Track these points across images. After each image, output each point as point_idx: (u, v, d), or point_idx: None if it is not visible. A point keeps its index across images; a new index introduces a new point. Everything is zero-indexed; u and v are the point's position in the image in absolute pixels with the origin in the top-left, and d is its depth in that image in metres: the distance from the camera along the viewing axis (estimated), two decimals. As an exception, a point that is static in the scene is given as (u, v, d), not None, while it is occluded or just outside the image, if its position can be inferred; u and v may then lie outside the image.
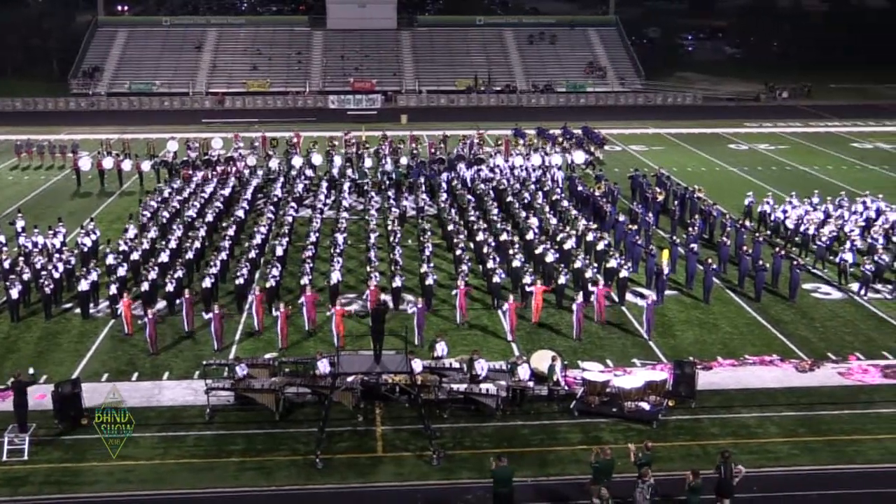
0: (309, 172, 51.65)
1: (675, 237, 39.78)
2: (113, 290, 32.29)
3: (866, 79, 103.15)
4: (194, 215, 42.09)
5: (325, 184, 48.04)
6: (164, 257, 35.54)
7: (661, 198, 45.77)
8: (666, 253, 37.23)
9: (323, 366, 25.77)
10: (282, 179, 49.72)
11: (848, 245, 37.17)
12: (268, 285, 32.63)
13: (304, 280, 32.50)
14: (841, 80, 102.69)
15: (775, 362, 28.84)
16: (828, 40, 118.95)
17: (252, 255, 35.77)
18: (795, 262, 35.23)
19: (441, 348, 27.30)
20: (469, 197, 45.02)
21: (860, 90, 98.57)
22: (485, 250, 35.85)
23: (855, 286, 35.27)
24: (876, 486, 21.91)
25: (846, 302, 34.43)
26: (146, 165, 53.18)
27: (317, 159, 53.64)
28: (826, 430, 24.62)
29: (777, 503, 21.26)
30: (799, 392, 26.84)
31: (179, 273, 33.28)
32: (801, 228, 39.90)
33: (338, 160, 53.00)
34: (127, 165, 53.13)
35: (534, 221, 39.77)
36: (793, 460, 23.07)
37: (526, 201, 44.01)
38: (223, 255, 35.81)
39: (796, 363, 28.70)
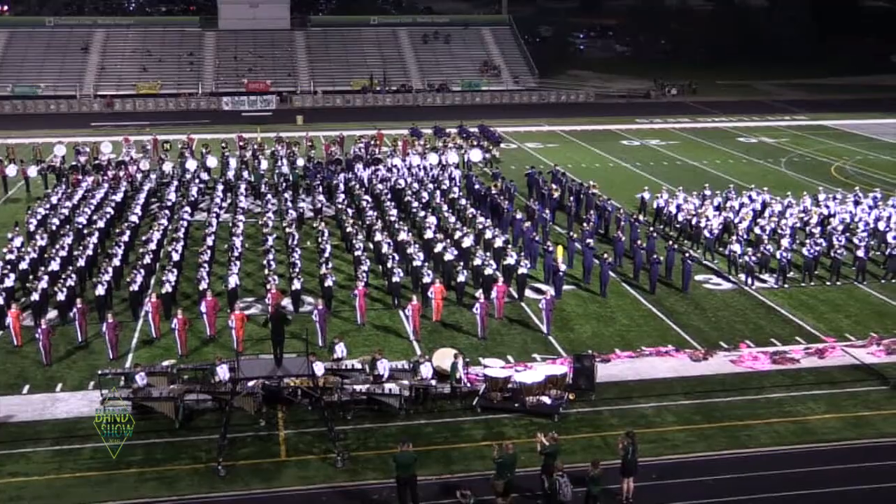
0: (204, 175, 50.81)
1: (571, 233, 40.50)
2: (-1, 301, 31.22)
3: (750, 76, 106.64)
4: (85, 222, 40.98)
5: (220, 187, 47.32)
6: (54, 266, 34.45)
7: (557, 194, 46.48)
8: (562, 248, 37.83)
9: (223, 371, 25.39)
10: (176, 183, 48.76)
11: (735, 237, 38.41)
12: (164, 291, 31.98)
13: (203, 285, 31.95)
14: (727, 77, 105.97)
15: (671, 352, 29.57)
16: (714, 39, 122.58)
17: (147, 260, 34.98)
18: (687, 255, 36.20)
19: (340, 350, 27.20)
20: (367, 197, 44.92)
21: (745, 87, 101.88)
22: (384, 250, 35.86)
23: (743, 276, 36.41)
24: (768, 468, 22.69)
25: (736, 292, 35.52)
26: (32, 171, 51.48)
27: (212, 162, 52.81)
28: (720, 416, 25.38)
29: (675, 489, 21.78)
30: (694, 381, 27.60)
31: (71, 281, 32.32)
32: (692, 221, 40.98)
33: (233, 162, 52.29)
34: (12, 171, 51.37)
35: (432, 220, 39.91)
36: (689, 447, 23.71)
37: (424, 200, 44.15)
38: (116, 262, 34.98)
39: (690, 353, 29.49)
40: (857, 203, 44.58)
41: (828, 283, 36.17)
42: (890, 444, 23.90)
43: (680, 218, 42.20)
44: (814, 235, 39.09)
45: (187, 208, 42.97)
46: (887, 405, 26.03)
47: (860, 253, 36.67)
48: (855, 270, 36.72)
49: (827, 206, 43.82)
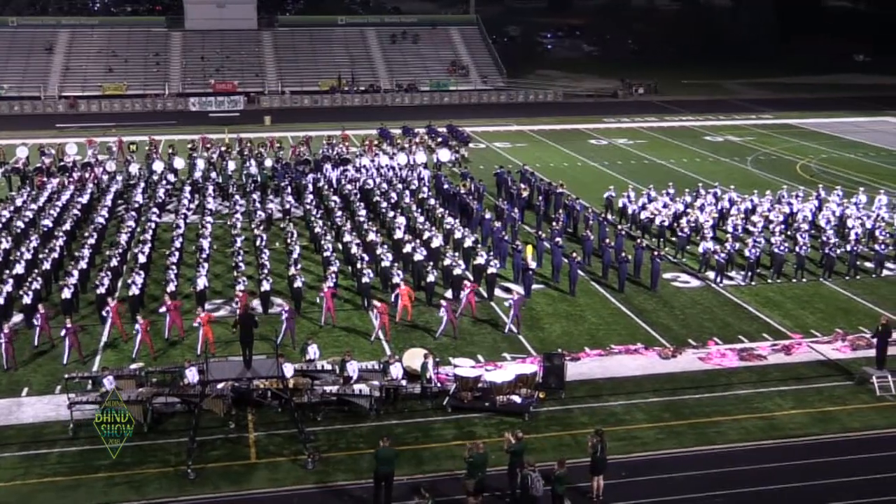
0: (171, 177, 50.46)
1: (540, 232, 40.61)
2: (-37, 304, 30.81)
3: (716, 75, 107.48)
4: (51, 224, 40.58)
5: (187, 188, 47.03)
6: (19, 269, 34.08)
7: (525, 194, 46.60)
8: (531, 248, 37.96)
9: (191, 374, 25.25)
10: (143, 185, 48.40)
11: (705, 234, 38.71)
12: (131, 293, 31.72)
13: (171, 287, 31.73)
14: (693, 77, 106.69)
15: (640, 350, 29.76)
16: (680, 38, 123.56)
17: (113, 263, 34.68)
18: (655, 253, 36.43)
19: (313, 351, 27.12)
20: (335, 198, 44.81)
21: (711, 86, 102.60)
22: (353, 251, 35.79)
23: (711, 274, 36.69)
24: (736, 464, 22.88)
25: (704, 289, 35.80)
26: (-4, 173, 50.96)
27: (179, 163, 52.45)
28: (689, 413, 25.58)
29: (645, 487, 21.93)
30: (663, 378, 27.79)
31: (36, 284, 31.96)
32: (659, 220, 41.25)
33: (200, 164, 51.95)
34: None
35: (401, 221, 39.89)
36: (659, 444, 23.88)
37: (393, 201, 44.11)
38: (83, 265, 34.65)
39: (659, 350, 29.69)
40: (820, 201, 45.06)
41: (794, 280, 36.54)
42: (854, 439, 24.22)
43: (644, 216, 42.42)
44: (779, 233, 39.45)
45: (154, 210, 42.66)
46: (852, 400, 26.38)
47: (826, 250, 37.08)
48: (822, 268, 37.13)
49: (790, 204, 44.24)
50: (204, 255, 35.31)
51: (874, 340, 28.21)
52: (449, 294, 32.01)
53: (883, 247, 37.75)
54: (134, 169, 51.47)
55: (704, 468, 22.72)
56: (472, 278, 34.02)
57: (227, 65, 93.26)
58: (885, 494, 21.59)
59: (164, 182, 48.77)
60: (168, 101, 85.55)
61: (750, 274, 36.36)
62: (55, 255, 35.83)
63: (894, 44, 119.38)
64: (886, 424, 25.00)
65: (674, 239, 40.28)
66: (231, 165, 51.65)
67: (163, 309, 30.26)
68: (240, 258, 35.16)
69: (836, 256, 37.24)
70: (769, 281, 36.44)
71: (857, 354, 29.39)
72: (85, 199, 45.32)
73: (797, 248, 37.23)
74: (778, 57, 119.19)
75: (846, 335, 30.85)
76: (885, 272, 37.49)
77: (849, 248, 37.69)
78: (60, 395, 25.56)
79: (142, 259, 35.17)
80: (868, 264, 37.89)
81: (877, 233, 39.53)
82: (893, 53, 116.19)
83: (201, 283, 32.39)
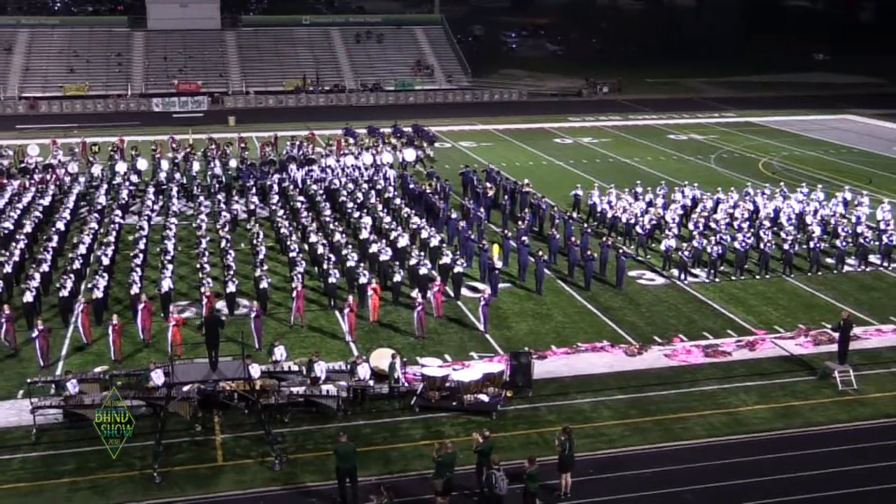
0: (134, 178, 50.00)
1: (506, 231, 40.74)
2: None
3: (679, 74, 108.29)
4: (12, 227, 40.08)
5: (151, 189, 46.64)
6: (-21, 272, 33.68)
7: (491, 193, 46.70)
8: (498, 247, 38.04)
9: (157, 376, 25.04)
10: (105, 186, 47.93)
11: (668, 232, 39.01)
12: (94, 296, 31.42)
13: (135, 289, 31.46)
14: (656, 76, 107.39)
15: (606, 348, 29.92)
16: (643, 37, 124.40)
17: (76, 265, 34.32)
18: (620, 251, 36.64)
19: (279, 352, 27.00)
20: (301, 198, 44.64)
21: (674, 84, 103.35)
22: (319, 251, 35.68)
23: (676, 271, 36.96)
24: (702, 460, 23.10)
25: (668, 287, 36.06)
26: (-44, 176, 50.23)
27: (142, 164, 52.01)
28: (655, 410, 25.77)
29: (612, 483, 22.07)
30: (629, 375, 27.97)
31: (-3, 288, 31.61)
32: (625, 218, 41.49)
33: (164, 164, 51.53)
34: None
35: (367, 220, 39.83)
36: (625, 441, 24.03)
37: (358, 201, 44.02)
38: (45, 267, 34.25)
39: (625, 348, 29.87)
40: (784, 198, 45.54)
41: (757, 277, 36.91)
42: (817, 433, 24.53)
43: (610, 215, 42.68)
44: (743, 230, 39.83)
45: (118, 211, 42.27)
46: (815, 395, 26.70)
47: (787, 247, 37.49)
48: (782, 264, 37.53)
49: (754, 202, 44.68)
50: (168, 257, 35.04)
51: (836, 335, 28.57)
52: (416, 294, 31.98)
53: (843, 243, 38.23)
54: (96, 170, 50.95)
55: (671, 464, 22.90)
56: (438, 278, 34.01)
57: (190, 65, 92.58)
58: (848, 487, 21.86)
59: (127, 183, 48.32)
60: (131, 102, 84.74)
61: (714, 271, 36.67)
62: (16, 258, 35.36)
63: (852, 43, 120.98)
64: (848, 418, 25.33)
65: (636, 236, 40.48)
66: (195, 166, 51.29)
67: (140, 306, 29.93)
68: (205, 259, 34.93)
69: (795, 253, 37.65)
70: (733, 278, 36.78)
71: (819, 349, 29.75)
72: (46, 201, 44.80)
73: (761, 245, 37.60)
74: (740, 56, 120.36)
75: (809, 331, 31.23)
76: (845, 268, 37.96)
77: (811, 244, 38.12)
78: (23, 399, 25.27)
79: (105, 261, 34.83)
80: (829, 260, 38.35)
81: (837, 229, 40.00)
82: (851, 53, 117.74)
83: (166, 284, 32.13)
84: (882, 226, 40.60)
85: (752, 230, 40.57)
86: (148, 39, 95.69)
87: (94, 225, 40.19)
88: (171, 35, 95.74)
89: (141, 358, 28.52)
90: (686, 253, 36.75)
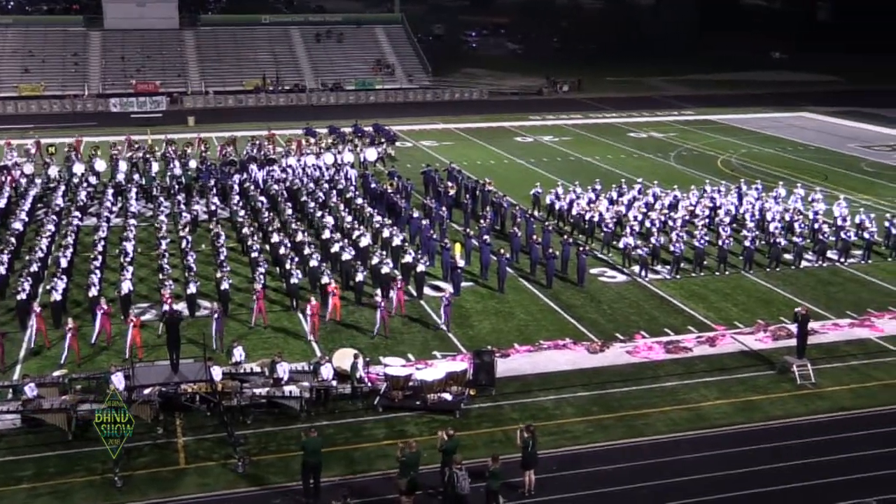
0: (92, 179, 49.44)
1: (468, 230, 40.82)
2: None
3: (638, 72, 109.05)
4: (-34, 229, 39.52)
5: (110, 190, 46.13)
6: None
7: (453, 192, 46.73)
8: (460, 246, 38.10)
9: (118, 379, 24.77)
10: (63, 188, 47.33)
11: (629, 230, 39.31)
12: (53, 299, 31.03)
13: (93, 291, 31.10)
14: (616, 74, 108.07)
15: (568, 346, 30.06)
16: (603, 36, 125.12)
17: (34, 268, 33.86)
18: (582, 249, 36.83)
19: (238, 353, 26.85)
20: (262, 198, 44.40)
21: (633, 83, 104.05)
22: (281, 251, 35.52)
23: (636, 269, 37.23)
24: (664, 455, 23.29)
25: (630, 284, 36.31)
26: None
27: (100, 165, 51.44)
28: (617, 406, 25.95)
29: (576, 480, 22.17)
30: (591, 372, 28.12)
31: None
32: (587, 216, 41.72)
33: (123, 165, 51.00)
34: None
35: (329, 220, 39.70)
36: (588, 438, 24.17)
37: (320, 200, 43.87)
38: (1, 270, 33.78)
39: (588, 345, 30.03)
40: (741, 195, 46.05)
41: (717, 273, 37.27)
42: (777, 427, 24.83)
43: (574, 212, 42.90)
44: (703, 227, 40.20)
45: (76, 213, 41.76)
46: (774, 389, 27.03)
47: (747, 243, 37.90)
48: (742, 260, 37.94)
49: (712, 199, 45.12)
50: (128, 259, 34.70)
51: (794, 330, 28.93)
52: (378, 293, 31.95)
53: (801, 239, 38.72)
54: (53, 172, 50.32)
55: (633, 460, 23.07)
56: (401, 277, 33.99)
57: (148, 65, 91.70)
58: (808, 479, 22.15)
59: (85, 184, 47.77)
60: (88, 102, 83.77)
61: (675, 268, 36.99)
62: (-28, 261, 34.86)
63: (808, 41, 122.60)
64: (807, 412, 25.68)
65: (600, 234, 40.75)
66: (154, 167, 50.79)
67: (100, 312, 29.60)
68: (165, 261, 34.63)
69: (756, 249, 38.08)
70: (693, 274, 37.11)
71: (778, 344, 30.11)
72: (2, 203, 44.18)
73: (720, 242, 37.99)
74: (698, 54, 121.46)
75: (767, 326, 31.61)
76: (803, 263, 38.45)
77: (769, 241, 38.56)
78: (-20, 404, 24.91)
79: (63, 263, 34.38)
80: (787, 256, 38.82)
81: (795, 225, 40.51)
82: (807, 51, 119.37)
83: (126, 287, 31.80)
84: (839, 222, 41.19)
85: (710, 227, 40.94)
86: (105, 39, 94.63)
87: (51, 227, 39.67)
88: (129, 35, 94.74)
89: (100, 361, 28.20)
90: (645, 250, 37.00)
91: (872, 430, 24.66)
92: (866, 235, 39.59)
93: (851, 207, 44.63)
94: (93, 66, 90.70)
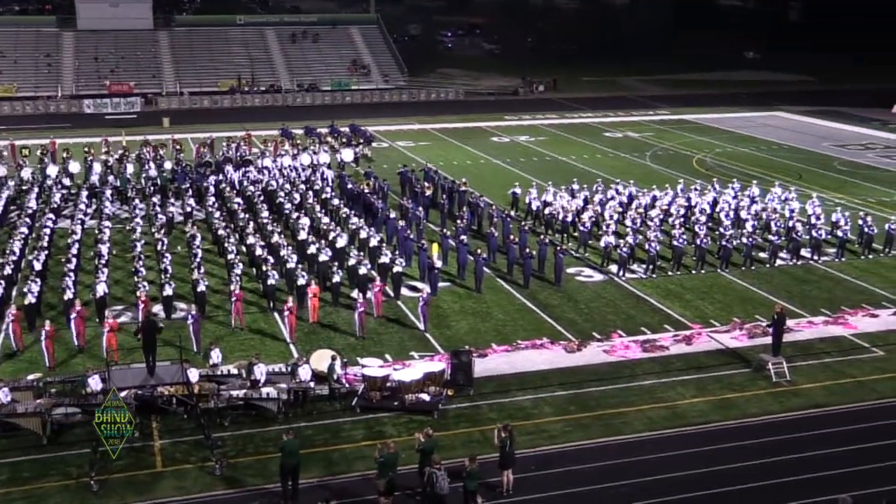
0: (66, 181, 49.06)
1: (445, 230, 40.83)
2: None
3: (614, 72, 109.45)
4: (-62, 232, 39.11)
5: (84, 192, 45.79)
6: None
7: (429, 192, 46.72)
8: (437, 246, 38.10)
9: (94, 382, 24.62)
10: (36, 190, 46.95)
11: (606, 229, 39.43)
12: (27, 302, 30.76)
13: (68, 294, 30.87)
14: (592, 74, 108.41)
15: (546, 345, 30.13)
16: (579, 36, 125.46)
17: (7, 271, 33.55)
18: (558, 248, 36.92)
19: (216, 355, 26.73)
20: (238, 200, 44.22)
21: (609, 83, 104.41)
22: (257, 253, 35.39)
23: (614, 268, 37.37)
24: (642, 453, 23.38)
25: (607, 283, 36.44)
26: None
27: (74, 167, 51.06)
28: (595, 405, 26.03)
29: (554, 479, 22.22)
30: (569, 371, 28.19)
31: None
32: (562, 216, 41.83)
33: (97, 167, 50.65)
34: None
35: (305, 221, 39.59)
36: (566, 437, 24.23)
37: (296, 201, 43.74)
38: (-26, 274, 33.45)
39: (565, 344, 30.11)
40: (716, 195, 46.30)
41: (693, 272, 37.46)
42: (753, 424, 24.99)
43: (547, 212, 42.97)
44: (678, 226, 40.40)
45: (50, 215, 41.44)
46: (750, 387, 27.21)
47: (724, 242, 38.13)
48: (719, 259, 38.14)
49: (688, 198, 45.35)
50: (103, 261, 34.47)
51: (770, 328, 29.12)
52: (356, 294, 31.89)
53: (776, 237, 38.99)
54: (27, 174, 49.91)
55: (611, 458, 23.15)
56: (378, 278, 33.95)
57: (122, 66, 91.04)
58: (784, 476, 22.31)
59: (59, 186, 47.39)
60: (61, 104, 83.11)
61: (651, 267, 37.16)
62: (-56, 264, 34.49)
63: (781, 41, 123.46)
64: (782, 409, 25.87)
65: (576, 234, 40.88)
66: (130, 168, 50.47)
67: (73, 315, 29.36)
68: (140, 263, 34.42)
69: (733, 247, 38.32)
70: (670, 273, 37.29)
71: (753, 342, 30.30)
72: (-25, 205, 43.79)
73: (696, 241, 38.18)
74: (673, 54, 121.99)
75: (743, 324, 31.80)
76: (778, 262, 38.72)
77: (745, 239, 38.82)
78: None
79: (37, 266, 34.09)
80: (763, 255, 39.09)
81: (771, 224, 40.79)
82: (781, 51, 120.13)
83: (101, 289, 31.58)
84: (812, 220, 41.51)
85: (686, 226, 41.14)
86: (78, 40, 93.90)
87: (24, 230, 39.33)
88: (102, 35, 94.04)
89: (76, 364, 28.00)
90: (623, 249, 37.16)
91: (846, 426, 24.87)
92: (839, 234, 39.94)
93: (825, 206, 44.97)
94: (66, 67, 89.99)
